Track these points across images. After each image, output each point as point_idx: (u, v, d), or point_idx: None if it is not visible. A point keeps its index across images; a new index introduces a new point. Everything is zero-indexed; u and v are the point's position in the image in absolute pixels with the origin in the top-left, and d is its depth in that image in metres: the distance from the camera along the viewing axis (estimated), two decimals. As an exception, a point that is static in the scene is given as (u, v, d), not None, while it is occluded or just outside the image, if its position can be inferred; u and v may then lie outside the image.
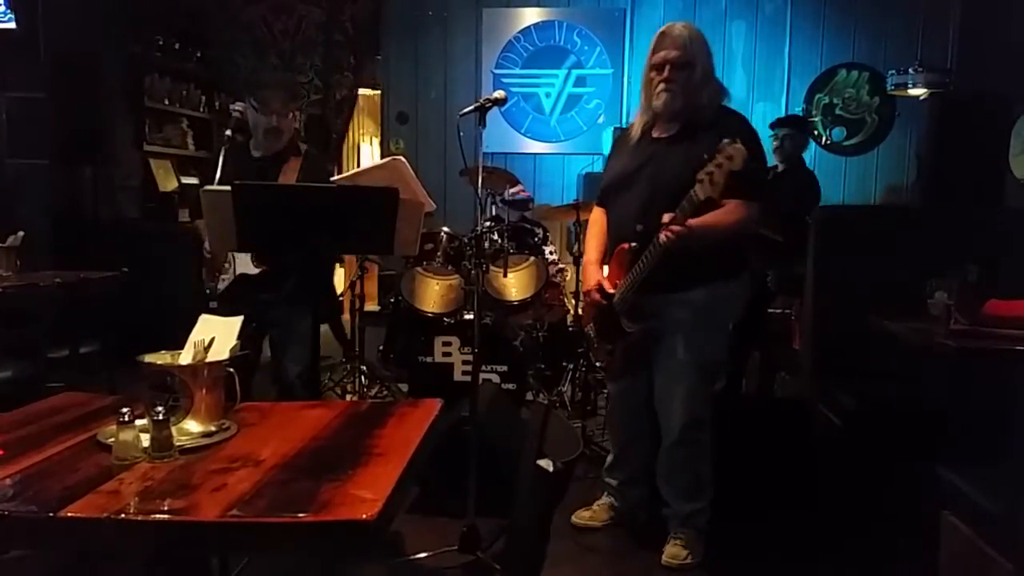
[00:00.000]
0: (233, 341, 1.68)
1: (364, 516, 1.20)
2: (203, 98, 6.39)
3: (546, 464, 2.30)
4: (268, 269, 3.09)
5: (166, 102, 6.07)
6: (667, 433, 2.68)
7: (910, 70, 4.79)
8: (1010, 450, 2.11)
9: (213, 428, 1.62)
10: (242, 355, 1.67)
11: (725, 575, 2.74)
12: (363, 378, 4.70)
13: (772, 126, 4.39)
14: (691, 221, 2.34)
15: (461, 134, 2.73)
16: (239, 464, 1.45)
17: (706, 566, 2.73)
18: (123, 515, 1.23)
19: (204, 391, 1.60)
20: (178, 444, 1.54)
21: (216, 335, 1.68)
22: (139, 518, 1.23)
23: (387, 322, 4.93)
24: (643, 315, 2.60)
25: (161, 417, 1.48)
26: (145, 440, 1.50)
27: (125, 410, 1.47)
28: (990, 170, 4.34)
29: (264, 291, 3.14)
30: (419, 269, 4.48)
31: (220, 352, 1.65)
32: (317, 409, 1.84)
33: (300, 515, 1.22)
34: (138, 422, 1.52)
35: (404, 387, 4.44)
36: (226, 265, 3.19)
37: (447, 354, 4.21)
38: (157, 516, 1.23)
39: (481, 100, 2.81)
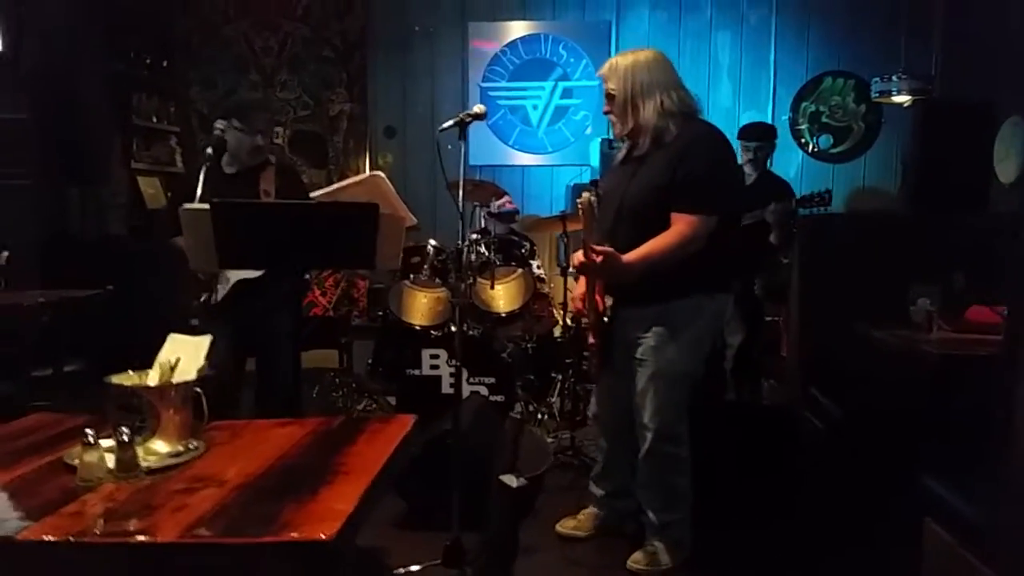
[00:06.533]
0: (201, 361, 1.67)
1: (322, 536, 1.19)
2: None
3: (508, 480, 2.30)
4: (269, 275, 3.16)
5: (154, 120, 6.07)
6: (641, 442, 2.72)
7: (894, 77, 4.80)
8: (989, 457, 2.10)
9: (181, 448, 1.61)
10: (210, 375, 1.66)
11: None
12: (351, 392, 4.70)
13: (746, 138, 4.41)
14: (627, 256, 2.49)
15: (450, 147, 2.75)
16: (203, 484, 1.44)
17: (691, 573, 2.73)
18: (80, 538, 1.22)
19: (171, 411, 1.59)
20: (145, 464, 1.53)
21: (183, 355, 1.67)
22: (96, 540, 1.22)
23: (376, 335, 4.93)
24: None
25: (126, 438, 1.47)
26: (111, 461, 1.49)
27: (89, 431, 1.46)
28: (975, 176, 4.35)
29: (264, 298, 3.19)
30: (406, 282, 4.49)
31: (187, 372, 1.64)
32: (288, 427, 1.83)
33: (259, 536, 1.21)
34: (104, 443, 1.51)
35: (393, 400, 4.43)
36: (220, 275, 3.22)
37: (435, 367, 4.21)
38: (114, 538, 1.22)
39: (461, 115, 2.83)
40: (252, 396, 3.38)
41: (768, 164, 5.55)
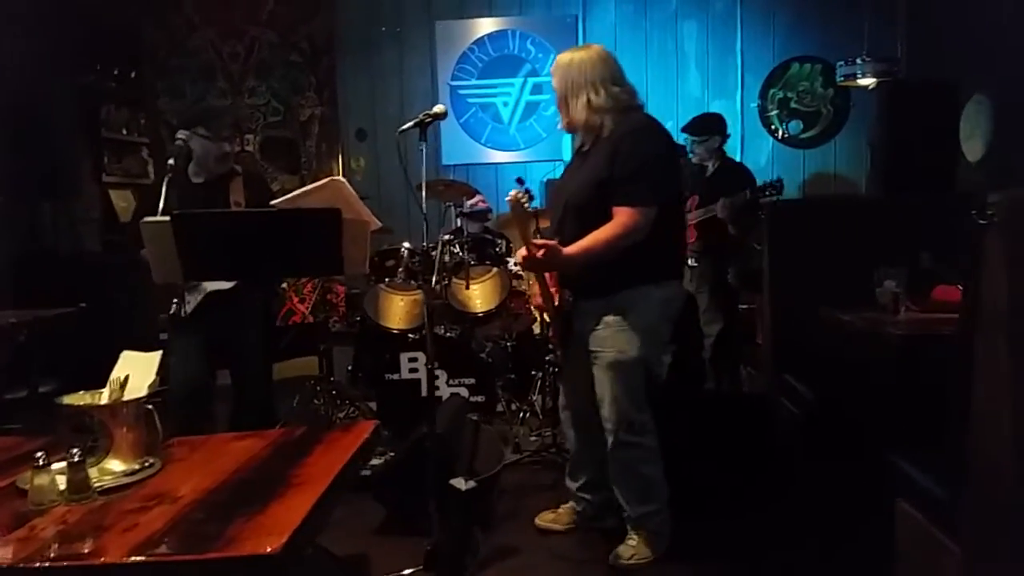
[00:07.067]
0: (152, 377, 1.66)
1: (268, 550, 1.19)
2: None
3: (457, 483, 2.32)
4: (239, 286, 3.14)
5: (124, 132, 6.03)
6: (608, 435, 2.75)
7: (858, 60, 4.81)
8: (950, 435, 2.12)
9: (136, 466, 1.60)
10: (162, 391, 1.65)
11: (689, 568, 2.76)
12: (331, 400, 4.68)
13: (690, 132, 4.49)
14: (567, 248, 2.55)
15: (421, 148, 2.79)
16: (156, 502, 1.43)
17: (673, 563, 2.75)
18: (27, 563, 1.21)
19: (124, 429, 1.58)
20: (99, 484, 1.52)
21: (134, 372, 1.66)
22: (42, 564, 1.21)
23: (355, 341, 4.92)
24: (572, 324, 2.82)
25: (76, 459, 1.46)
26: (63, 483, 1.48)
27: (39, 454, 1.45)
28: (941, 155, 4.36)
29: (234, 309, 3.17)
30: (382, 286, 4.48)
31: (137, 389, 1.63)
32: (247, 440, 1.82)
33: (204, 552, 1.20)
34: (57, 465, 1.50)
35: (374, 406, 4.42)
36: (191, 287, 3.20)
37: (413, 370, 4.20)
38: (59, 562, 1.21)
39: (421, 115, 2.85)
40: (226, 409, 3.36)
41: (738, 153, 5.61)
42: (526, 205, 2.55)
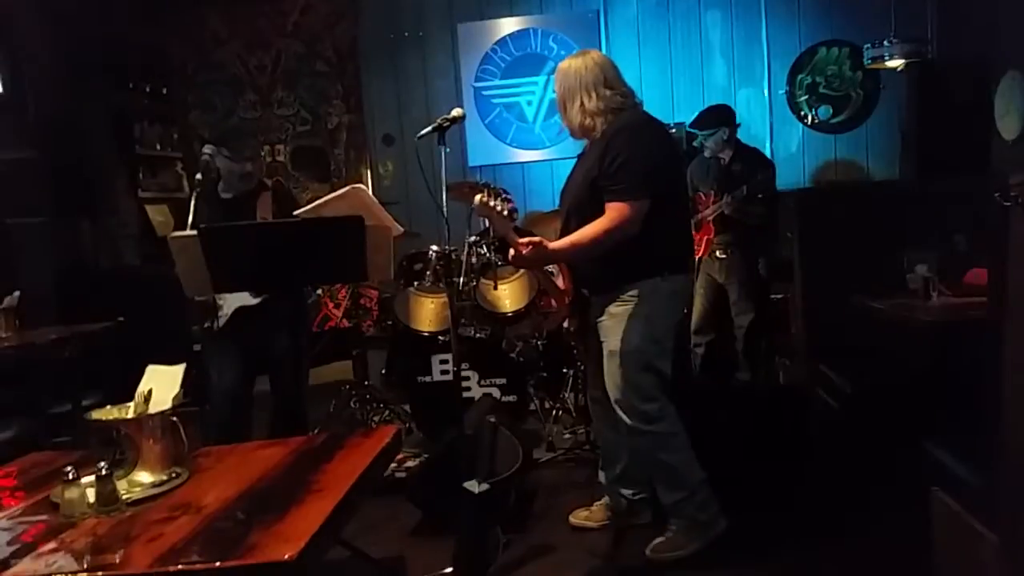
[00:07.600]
0: (176, 390, 1.70)
1: (286, 556, 1.21)
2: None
3: (471, 486, 2.33)
4: (268, 297, 3.17)
5: (158, 147, 6.15)
6: (622, 425, 2.77)
7: (885, 42, 4.71)
8: (985, 423, 2.08)
9: (164, 477, 1.64)
10: (185, 403, 1.69)
11: (726, 559, 2.72)
12: (366, 404, 4.73)
13: (696, 128, 4.48)
14: (554, 243, 2.61)
15: (447, 150, 2.81)
16: (181, 512, 1.47)
17: (705, 549, 2.73)
18: (55, 574, 1.25)
19: (151, 441, 1.62)
20: (128, 496, 1.56)
21: (158, 385, 1.70)
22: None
23: (387, 345, 4.97)
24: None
25: (104, 472, 1.50)
26: (93, 495, 1.53)
27: (68, 468, 1.49)
28: (975, 136, 4.26)
29: (265, 319, 3.21)
30: (411, 289, 4.51)
31: (162, 402, 1.67)
32: (271, 448, 1.85)
33: (224, 560, 1.23)
34: (87, 479, 1.55)
35: (408, 408, 4.46)
36: (220, 301, 3.25)
37: (445, 372, 4.21)
38: (84, 573, 1.25)
39: (438, 120, 2.86)
40: (265, 416, 3.41)
41: (767, 141, 5.54)
42: (491, 203, 2.57)
